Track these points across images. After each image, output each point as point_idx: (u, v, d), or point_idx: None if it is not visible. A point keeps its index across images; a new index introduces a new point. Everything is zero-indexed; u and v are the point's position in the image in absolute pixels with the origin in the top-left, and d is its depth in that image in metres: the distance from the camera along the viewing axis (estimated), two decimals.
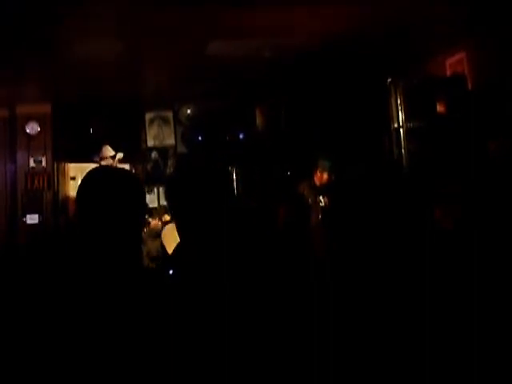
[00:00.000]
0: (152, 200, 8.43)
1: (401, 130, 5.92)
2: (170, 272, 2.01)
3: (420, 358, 1.86)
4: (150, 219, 6.32)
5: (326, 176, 6.65)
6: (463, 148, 4.77)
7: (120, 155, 6.14)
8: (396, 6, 5.21)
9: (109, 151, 6.01)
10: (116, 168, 2.06)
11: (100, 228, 1.75)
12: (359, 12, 5.33)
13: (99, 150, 6.01)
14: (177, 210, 2.02)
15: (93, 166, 7.12)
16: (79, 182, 1.93)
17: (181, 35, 5.71)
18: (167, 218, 6.37)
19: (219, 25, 5.47)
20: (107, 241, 1.75)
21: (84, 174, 1.97)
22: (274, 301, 1.88)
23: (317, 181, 6.70)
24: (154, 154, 9.06)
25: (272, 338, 1.81)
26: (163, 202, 7.75)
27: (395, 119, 5.99)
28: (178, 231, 2.00)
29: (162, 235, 5.17)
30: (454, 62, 6.51)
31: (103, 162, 5.92)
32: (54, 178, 8.46)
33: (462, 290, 2.02)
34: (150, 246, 5.94)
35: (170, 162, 9.08)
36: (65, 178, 8.49)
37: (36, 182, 8.35)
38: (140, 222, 1.86)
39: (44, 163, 8.39)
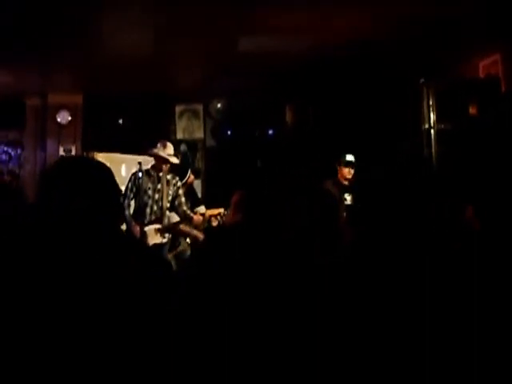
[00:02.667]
0: None
1: (432, 131, 5.87)
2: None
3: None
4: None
5: (350, 172, 6.53)
6: (494, 150, 4.71)
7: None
8: (431, 8, 5.16)
9: (171, 149, 6.18)
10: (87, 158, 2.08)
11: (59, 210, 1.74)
12: (395, 13, 5.28)
13: (163, 145, 6.11)
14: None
15: (120, 156, 7.25)
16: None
17: (213, 30, 5.72)
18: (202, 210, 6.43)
19: (251, 21, 5.46)
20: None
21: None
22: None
23: (341, 178, 6.59)
24: (182, 147, 9.07)
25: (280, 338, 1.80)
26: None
27: (426, 120, 5.93)
28: None
29: None
30: (488, 64, 6.42)
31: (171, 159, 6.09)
32: None
33: (487, 291, 1.99)
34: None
35: (198, 155, 9.10)
36: None
37: None
38: (110, 207, 1.83)
39: (73, 152, 8.46)
